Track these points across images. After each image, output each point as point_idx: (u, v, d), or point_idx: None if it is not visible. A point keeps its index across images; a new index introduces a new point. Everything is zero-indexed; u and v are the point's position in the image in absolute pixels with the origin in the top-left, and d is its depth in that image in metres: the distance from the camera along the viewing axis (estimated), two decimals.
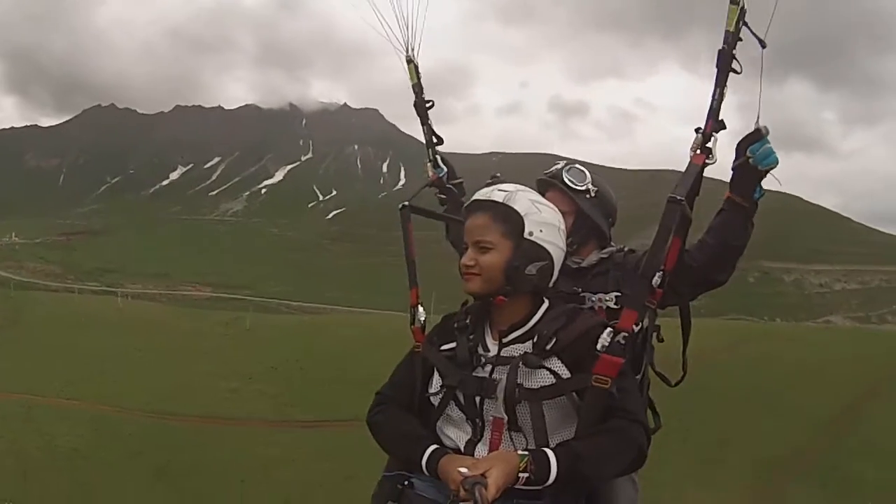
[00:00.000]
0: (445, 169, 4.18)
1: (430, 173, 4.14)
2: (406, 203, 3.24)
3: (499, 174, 3.66)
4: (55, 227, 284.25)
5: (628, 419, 2.59)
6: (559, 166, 3.90)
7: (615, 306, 3.58)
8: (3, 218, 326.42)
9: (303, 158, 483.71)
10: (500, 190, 2.83)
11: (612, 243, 3.96)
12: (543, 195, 3.36)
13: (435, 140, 4.16)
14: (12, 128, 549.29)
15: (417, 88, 4.08)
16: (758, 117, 2.94)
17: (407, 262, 3.17)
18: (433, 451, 2.66)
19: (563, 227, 2.90)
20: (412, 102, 4.10)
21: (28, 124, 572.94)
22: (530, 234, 2.74)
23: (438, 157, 4.17)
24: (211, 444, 24.26)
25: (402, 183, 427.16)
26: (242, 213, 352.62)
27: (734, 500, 18.70)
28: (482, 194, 2.86)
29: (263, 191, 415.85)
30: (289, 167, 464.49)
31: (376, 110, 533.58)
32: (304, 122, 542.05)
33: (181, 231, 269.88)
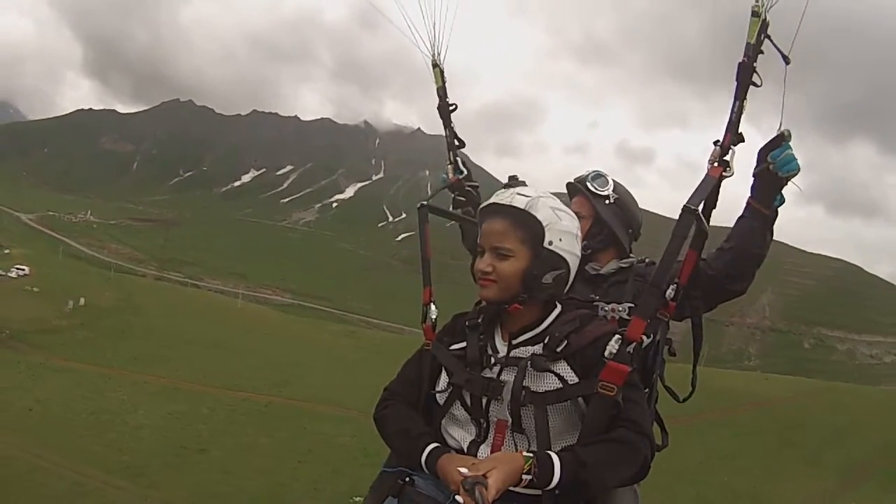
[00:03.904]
0: (466, 172, 4.12)
1: (451, 176, 4.10)
2: (424, 203, 3.21)
3: (517, 175, 3.81)
4: (127, 211, 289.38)
5: (634, 431, 2.55)
6: (587, 173, 3.88)
7: (628, 317, 3.36)
8: (77, 194, 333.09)
9: (374, 177, 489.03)
10: (520, 195, 2.73)
11: (632, 255, 3.90)
12: (570, 200, 3.73)
13: (457, 143, 4.14)
14: (91, 109, 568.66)
15: (442, 92, 4.06)
16: (780, 124, 2.96)
17: (422, 261, 3.17)
18: (433, 450, 2.65)
19: (579, 233, 2.83)
20: (436, 106, 4.10)
21: (105, 108, 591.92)
22: (550, 243, 2.69)
23: (459, 160, 4.12)
24: None
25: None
26: (314, 224, 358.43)
27: (830, 486, 29.00)
28: (502, 198, 2.76)
29: (335, 204, 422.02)
30: (360, 184, 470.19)
31: None
32: (377, 141, 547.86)
33: (254, 233, 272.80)
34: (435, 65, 3.97)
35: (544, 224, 2.65)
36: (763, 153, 3.02)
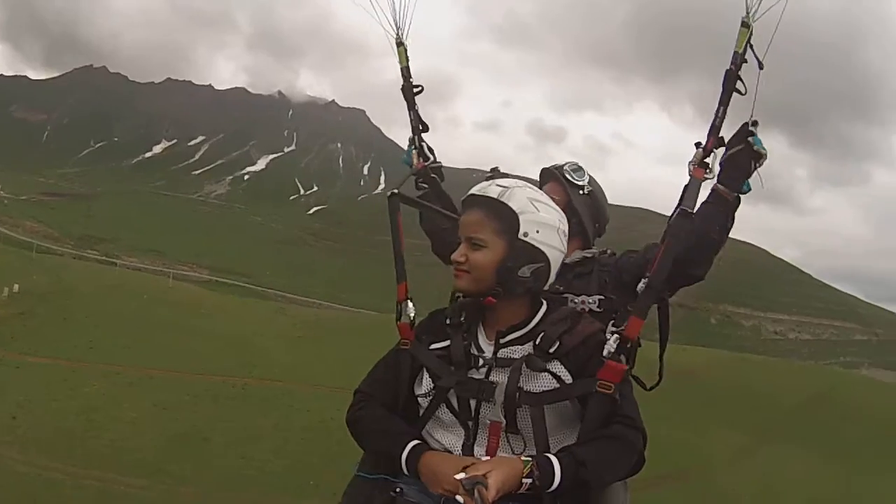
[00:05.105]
0: (431, 157, 4.03)
1: (416, 161, 3.99)
2: (395, 191, 3.05)
3: (498, 167, 3.93)
4: (38, 185, 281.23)
5: (629, 425, 2.55)
6: (564, 163, 3.97)
7: (598, 309, 3.44)
8: None
9: (286, 149, 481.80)
10: (497, 185, 2.70)
11: (595, 247, 3.96)
12: (543, 185, 3.78)
13: (421, 127, 4.04)
14: (1, 76, 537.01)
15: (406, 72, 3.98)
16: (751, 115, 3.16)
17: (395, 255, 2.98)
18: (415, 446, 2.61)
19: (563, 227, 2.79)
20: (399, 87, 4.01)
21: (16, 74, 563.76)
22: (525, 234, 2.63)
23: (425, 145, 4.03)
24: None
25: (381, 187, 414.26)
26: (226, 197, 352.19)
27: (749, 442, 30.96)
28: (479, 189, 2.75)
29: (246, 177, 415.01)
30: (272, 156, 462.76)
31: (363, 111, 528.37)
32: (290, 112, 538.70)
33: (167, 207, 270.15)
34: (399, 43, 3.96)
35: (518, 213, 2.64)
36: (735, 138, 3.21)
